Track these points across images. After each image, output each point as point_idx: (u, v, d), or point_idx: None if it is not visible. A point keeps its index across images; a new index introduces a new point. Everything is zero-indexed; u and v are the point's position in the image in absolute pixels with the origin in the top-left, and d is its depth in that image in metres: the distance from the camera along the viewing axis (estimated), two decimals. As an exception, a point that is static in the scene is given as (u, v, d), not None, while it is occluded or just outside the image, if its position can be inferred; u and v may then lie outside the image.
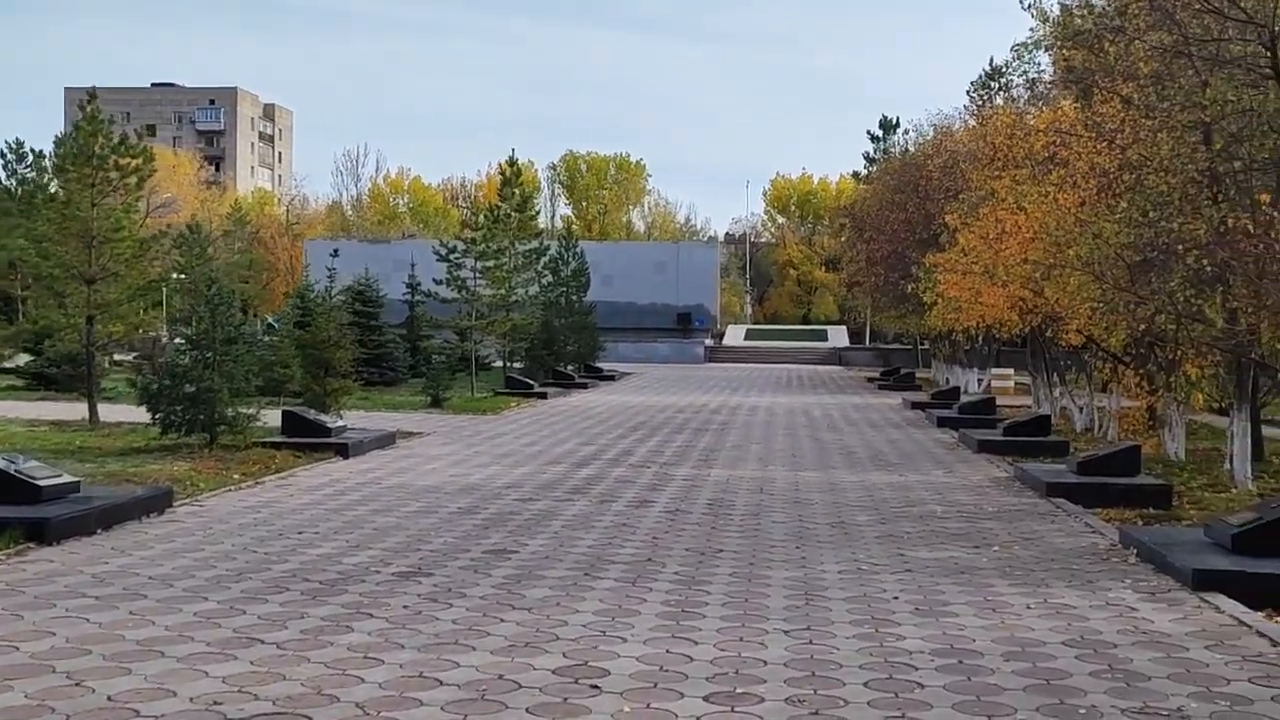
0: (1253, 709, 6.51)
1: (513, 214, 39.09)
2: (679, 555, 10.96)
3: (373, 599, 8.99)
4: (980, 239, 25.06)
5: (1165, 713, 6.42)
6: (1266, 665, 7.40)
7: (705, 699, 6.64)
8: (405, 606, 8.77)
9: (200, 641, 7.65)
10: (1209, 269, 14.98)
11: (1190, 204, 16.54)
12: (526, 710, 6.42)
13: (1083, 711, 6.44)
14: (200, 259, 53.36)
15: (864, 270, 47.54)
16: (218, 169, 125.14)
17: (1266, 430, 22.14)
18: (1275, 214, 13.69)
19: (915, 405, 32.35)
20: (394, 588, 9.41)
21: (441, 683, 6.89)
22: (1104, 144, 19.07)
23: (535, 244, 41.79)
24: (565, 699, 6.62)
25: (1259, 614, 8.77)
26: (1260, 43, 15.11)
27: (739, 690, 6.80)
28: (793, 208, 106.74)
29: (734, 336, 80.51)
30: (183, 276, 47.35)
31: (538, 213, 52.96)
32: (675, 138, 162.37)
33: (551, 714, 6.37)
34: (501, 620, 8.38)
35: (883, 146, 76.63)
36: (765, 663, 7.36)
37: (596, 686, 6.85)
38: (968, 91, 60.08)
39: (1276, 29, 14.53)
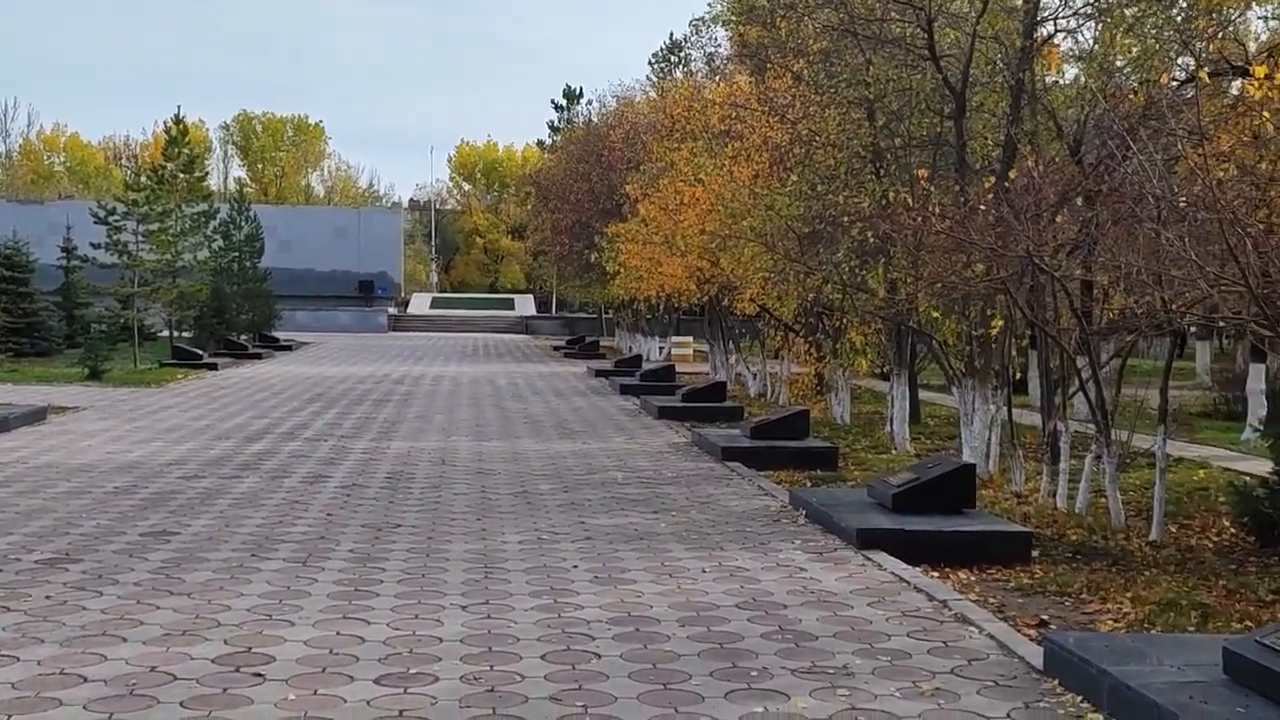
0: (911, 662, 6.77)
1: (179, 174, 37.08)
2: (354, 532, 10.56)
3: (10, 590, 8.20)
4: (660, 210, 25.50)
5: (832, 670, 6.59)
6: (923, 619, 7.73)
7: (377, 681, 6.35)
8: (48, 597, 8.04)
9: None
10: (872, 241, 15.68)
11: (855, 178, 17.30)
12: (181, 704, 5.95)
13: (754, 673, 6.52)
14: None
15: (549, 239, 47.75)
16: None
17: (923, 394, 23.54)
18: (932, 189, 14.42)
19: (599, 373, 32.73)
20: (36, 576, 8.62)
21: (85, 679, 6.31)
22: (776, 119, 19.68)
23: (205, 206, 39.75)
24: (225, 689, 6.19)
25: (917, 570, 9.20)
26: (918, 24, 15.88)
27: (413, 670, 6.54)
28: (479, 175, 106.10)
29: (419, 305, 79.42)
30: None
31: (207, 174, 50.40)
32: (357, 101, 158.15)
33: (209, 706, 5.93)
34: (157, 608, 7.80)
35: (567, 116, 77.06)
36: (441, 640, 7.13)
37: (260, 674, 6.44)
38: (650, 63, 61.13)
39: (933, 12, 15.28)
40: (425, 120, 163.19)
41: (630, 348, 45.20)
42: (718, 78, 31.65)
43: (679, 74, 44.44)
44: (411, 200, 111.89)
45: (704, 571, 9.08)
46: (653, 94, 42.16)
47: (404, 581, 8.66)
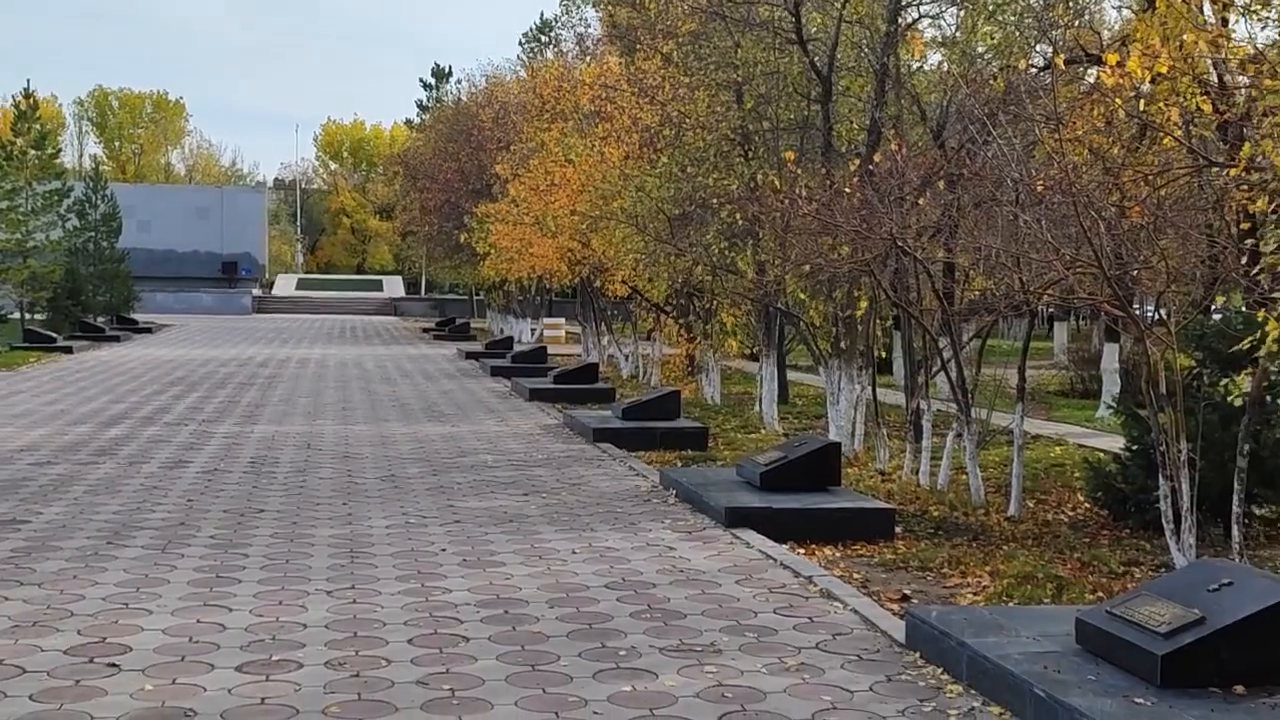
0: (777, 638, 6.84)
1: (30, 151, 35.75)
2: (216, 518, 10.31)
3: None
4: (531, 190, 25.38)
5: (700, 648, 6.63)
6: (789, 595, 7.83)
7: (238, 669, 6.20)
8: (-113, 591, 7.69)
9: None
10: (741, 223, 15.80)
11: (724, 161, 17.41)
12: (30, 698, 5.74)
13: (623, 653, 6.53)
14: None
15: (418, 219, 47.23)
16: None
17: (792, 375, 23.86)
18: (799, 172, 14.58)
19: (470, 355, 32.49)
20: (-126, 570, 8.24)
21: (-73, 676, 6.04)
22: (646, 100, 19.69)
23: (58, 184, 38.42)
24: (78, 681, 5.98)
25: (783, 547, 9.31)
26: (786, 8, 16.01)
27: (275, 658, 6.40)
28: (346, 154, 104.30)
29: (284, 286, 77.92)
30: None
31: (60, 150, 48.66)
32: (219, 78, 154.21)
33: (60, 699, 5.73)
34: (5, 599, 7.51)
35: (436, 95, 76.26)
36: (305, 626, 7.00)
37: (115, 665, 6.24)
38: (520, 43, 60.78)
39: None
40: (290, 98, 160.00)
41: (501, 330, 44.98)
42: (588, 58, 31.57)
43: (550, 54, 44.21)
44: (276, 179, 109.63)
45: (574, 553, 9.07)
46: (523, 74, 41.88)
47: (267, 568, 8.48)
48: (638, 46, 21.43)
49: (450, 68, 79.54)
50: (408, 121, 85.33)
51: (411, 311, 67.56)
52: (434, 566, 8.57)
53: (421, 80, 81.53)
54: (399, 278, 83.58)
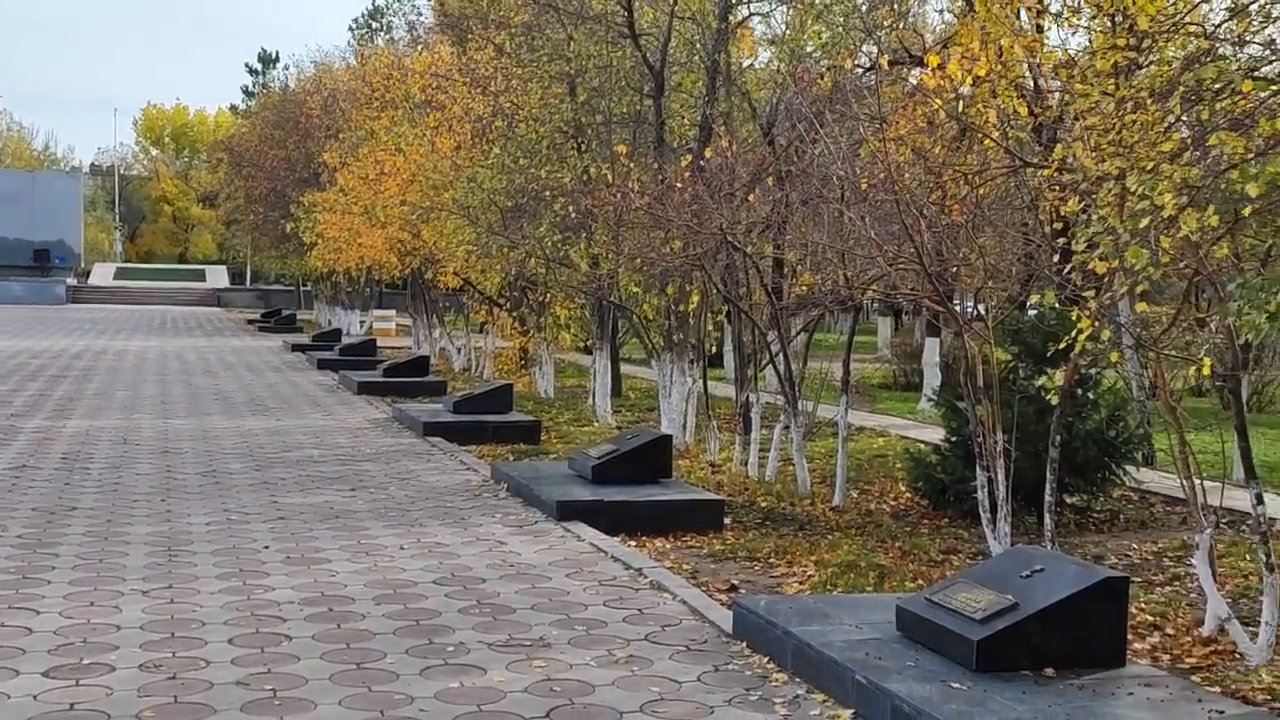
0: (607, 630, 6.85)
1: None
2: (24, 516, 9.84)
3: None
4: (360, 179, 24.96)
5: (529, 642, 6.59)
6: (620, 588, 7.85)
7: (46, 674, 5.92)
8: None
9: None
10: (574, 216, 15.78)
11: (557, 153, 17.36)
12: None
13: (451, 649, 6.45)
14: None
15: (243, 208, 46.05)
16: None
17: (625, 368, 23.97)
18: (632, 166, 14.63)
19: (296, 348, 31.75)
20: None
21: None
22: (478, 90, 19.53)
23: None
24: None
25: (615, 539, 9.33)
26: (618, 2, 16.04)
27: (86, 661, 6.14)
28: (167, 140, 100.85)
29: (102, 275, 75.07)
30: None
31: None
32: (29, 58, 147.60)
33: None
34: None
35: (262, 80, 74.37)
36: (119, 628, 6.73)
37: (-91, 674, 5.90)
38: (350, 29, 59.64)
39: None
40: (108, 80, 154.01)
41: (329, 321, 44.11)
42: (419, 47, 31.17)
43: (380, 41, 43.54)
44: (93, 165, 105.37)
45: (402, 548, 8.93)
46: (352, 61, 41.13)
47: (79, 567, 8.13)
48: (469, 36, 21.23)
49: (277, 53, 77.93)
50: (233, 107, 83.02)
51: (236, 302, 65.78)
52: (256, 564, 8.33)
53: (247, 66, 79.39)
54: (223, 268, 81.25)
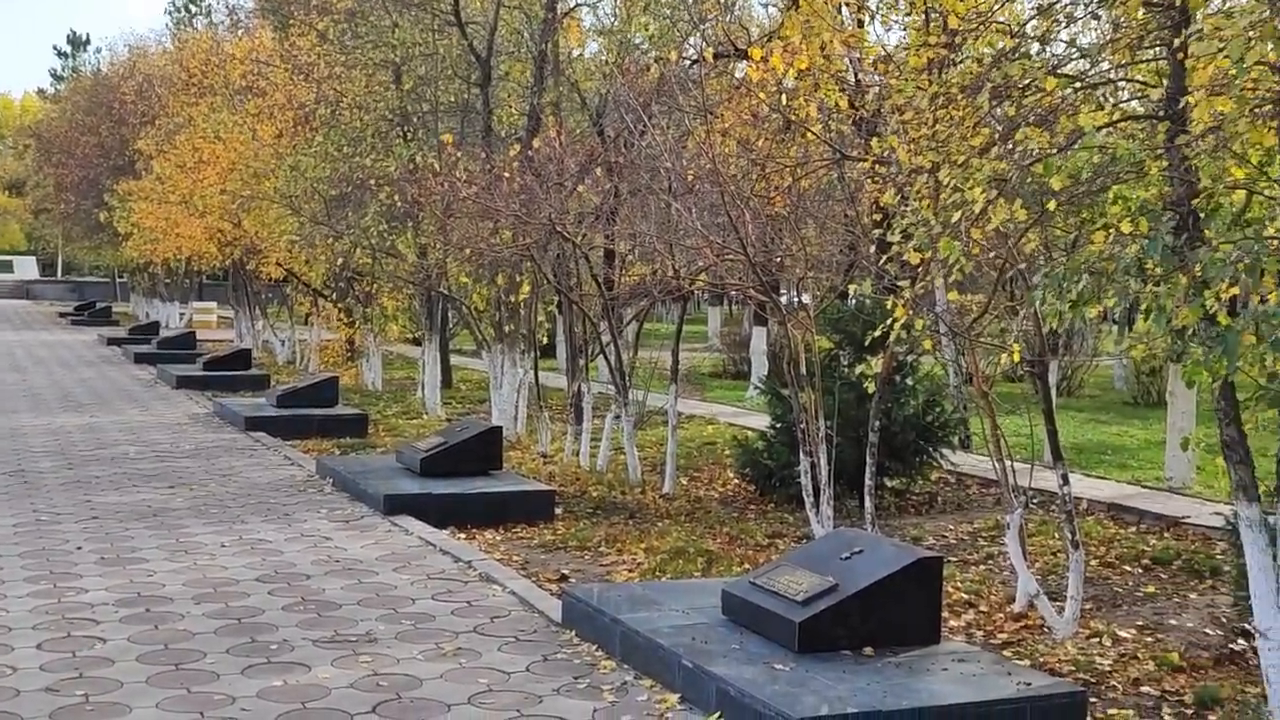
0: (435, 624, 6.79)
1: None
2: None
3: None
4: (177, 167, 24.18)
5: (355, 638, 6.49)
6: (448, 581, 7.78)
7: None
8: None
9: None
10: (401, 205, 15.57)
11: (383, 141, 17.12)
12: None
13: (274, 646, 6.31)
14: None
15: (53, 196, 44.23)
16: None
17: (455, 359, 23.76)
18: (459, 155, 14.50)
19: (112, 341, 30.62)
20: None
21: None
22: (301, 77, 19.12)
23: None
24: None
25: (444, 532, 9.26)
26: (444, -10, 15.87)
27: (-120, 674, 5.82)
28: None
29: (-104, 267, 71.05)
30: None
31: None
32: None
33: None
34: None
35: (73, 64, 71.43)
36: (-84, 637, 6.40)
37: None
38: (167, 12, 57.74)
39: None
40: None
41: (147, 314, 42.65)
42: (240, 31, 30.33)
43: (199, 25, 42.26)
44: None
45: (223, 546, 8.69)
46: (169, 45, 39.83)
47: (-128, 575, 7.70)
48: (292, 22, 20.75)
49: (89, 35, 74.74)
50: (40, 91, 79.42)
51: (46, 295, 62.99)
52: (68, 566, 8.01)
53: (56, 48, 76.09)
54: (32, 259, 77.62)
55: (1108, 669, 6.58)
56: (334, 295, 22.69)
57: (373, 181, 16.11)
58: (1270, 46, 4.64)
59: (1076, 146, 5.90)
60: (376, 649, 6.30)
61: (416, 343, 22.40)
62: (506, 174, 12.57)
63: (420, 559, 8.39)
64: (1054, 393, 14.58)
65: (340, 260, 18.78)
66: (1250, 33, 4.59)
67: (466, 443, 11.00)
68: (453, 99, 17.21)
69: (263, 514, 9.92)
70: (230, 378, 20.29)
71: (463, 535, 9.34)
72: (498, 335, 15.27)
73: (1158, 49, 6.26)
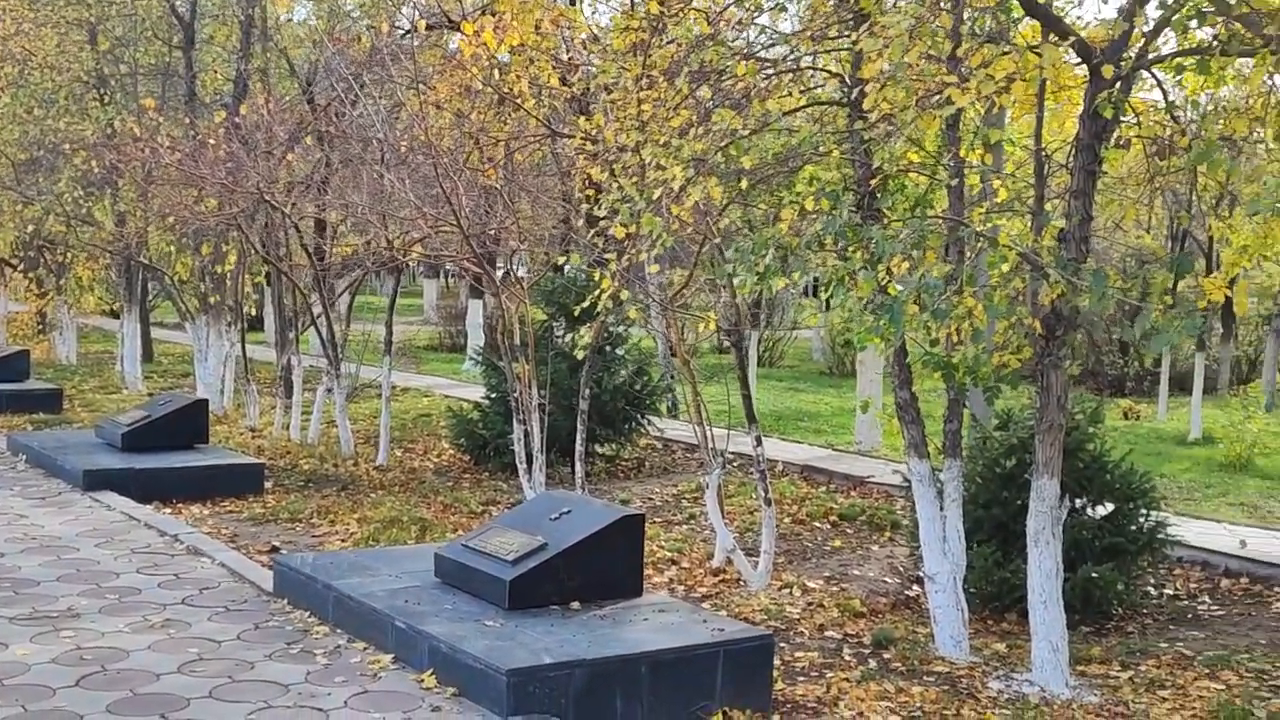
0: (141, 597, 6.66)
1: None
2: None
3: None
4: None
5: (55, 614, 6.31)
6: (153, 555, 7.62)
7: None
8: None
9: None
10: (98, 171, 14.89)
11: (78, 104, 16.29)
12: None
13: (-34, 628, 6.08)
14: None
15: None
16: None
17: (157, 332, 22.88)
18: (161, 120, 14.00)
19: None
20: None
21: None
22: (-16, 32, 17.92)
23: None
24: None
25: (149, 507, 9.02)
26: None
27: None
28: None
29: None
30: None
31: None
32: None
33: None
34: None
35: None
36: None
37: None
38: None
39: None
40: None
41: None
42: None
43: None
44: None
45: (-96, 527, 8.23)
46: None
47: None
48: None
49: None
50: None
51: None
52: None
53: None
54: None
55: (796, 616, 7.11)
56: (23, 265, 21.44)
57: (67, 146, 15.33)
58: (929, 44, 5.14)
59: (765, 129, 6.32)
60: (79, 624, 6.15)
61: (115, 315, 21.44)
62: (212, 140, 12.24)
63: (124, 534, 8.17)
64: (756, 363, 15.42)
65: (30, 228, 17.78)
66: (907, 36, 5.07)
67: (170, 416, 10.73)
68: (154, 61, 16.54)
69: (-52, 493, 9.41)
70: (-95, 352, 18.92)
71: (168, 510, 9.14)
72: (202, 306, 14.85)
73: (842, 40, 6.76)
